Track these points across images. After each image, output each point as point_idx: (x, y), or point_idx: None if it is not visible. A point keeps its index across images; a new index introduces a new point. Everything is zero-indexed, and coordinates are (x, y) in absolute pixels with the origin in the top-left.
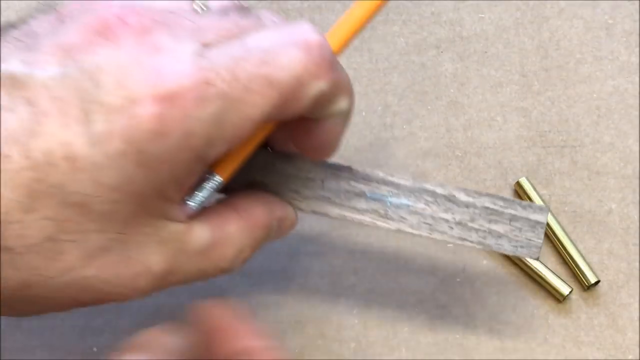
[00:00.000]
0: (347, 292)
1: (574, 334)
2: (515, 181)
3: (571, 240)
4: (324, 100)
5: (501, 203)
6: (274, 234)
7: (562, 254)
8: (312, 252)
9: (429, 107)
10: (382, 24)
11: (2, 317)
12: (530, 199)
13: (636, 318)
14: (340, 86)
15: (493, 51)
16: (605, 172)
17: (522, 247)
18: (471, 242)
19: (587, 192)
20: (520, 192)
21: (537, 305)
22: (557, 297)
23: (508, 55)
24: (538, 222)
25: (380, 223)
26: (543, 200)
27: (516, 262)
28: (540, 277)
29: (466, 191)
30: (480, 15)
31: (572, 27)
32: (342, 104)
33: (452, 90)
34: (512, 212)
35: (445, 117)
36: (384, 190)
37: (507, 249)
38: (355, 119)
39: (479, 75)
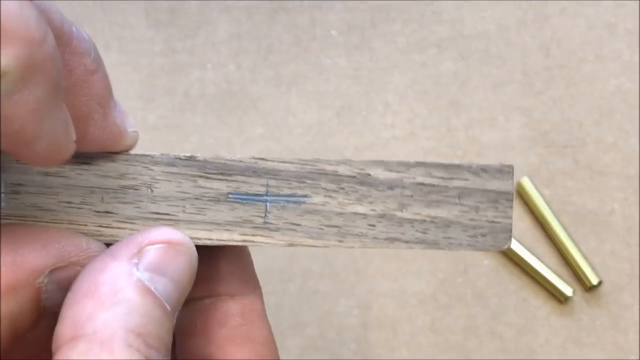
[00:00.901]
0: (347, 293)
1: (576, 335)
2: (517, 181)
3: (573, 241)
4: None
5: (442, 173)
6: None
7: (564, 255)
8: (312, 253)
9: (430, 107)
10: (382, 23)
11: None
12: (531, 199)
13: (638, 319)
14: None
15: (494, 50)
16: (607, 172)
17: (483, 235)
18: (406, 242)
19: (589, 192)
20: (521, 192)
21: (539, 306)
22: (559, 298)
23: (510, 55)
24: (501, 192)
25: (260, 238)
26: (545, 201)
27: (517, 263)
28: (542, 278)
29: (386, 164)
30: (481, 14)
31: (574, 26)
32: None
33: (453, 90)
34: (461, 183)
35: (446, 116)
36: (255, 184)
37: (463, 242)
38: (356, 119)
39: (480, 74)
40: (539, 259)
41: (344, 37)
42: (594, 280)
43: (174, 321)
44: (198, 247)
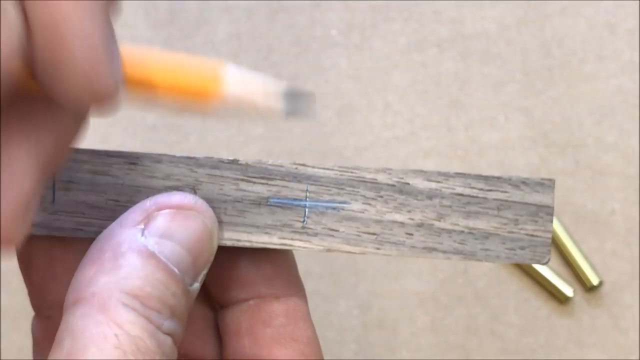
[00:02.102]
0: (348, 293)
1: (577, 336)
2: None
3: (574, 241)
4: None
5: (481, 184)
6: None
7: (565, 255)
8: (311, 253)
9: (430, 106)
10: (383, 22)
11: (1, 317)
12: None
13: (639, 319)
14: None
15: (495, 50)
16: (608, 172)
17: (522, 248)
18: (444, 252)
19: (590, 192)
20: None
21: (539, 307)
22: (560, 299)
23: (510, 54)
24: (541, 206)
25: (298, 243)
26: None
27: (518, 263)
28: (543, 278)
29: (425, 174)
30: (482, 13)
31: (574, 25)
32: None
33: (453, 90)
34: (500, 195)
35: (446, 116)
36: (295, 189)
37: (501, 254)
38: (356, 118)
39: (481, 74)
40: None
41: (344, 37)
42: (595, 281)
43: (190, 286)
44: (240, 248)
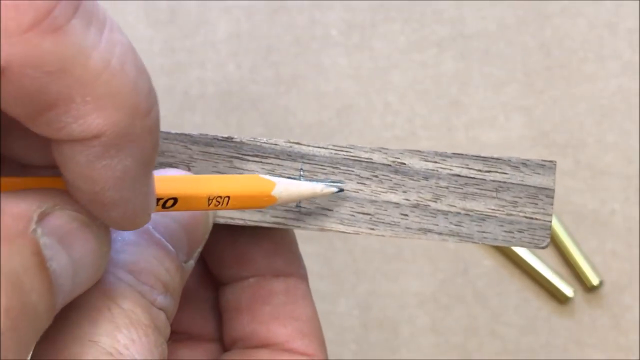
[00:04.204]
0: (348, 293)
1: (577, 336)
2: None
3: (574, 241)
4: (39, 100)
5: (479, 165)
6: None
7: (565, 255)
8: (312, 253)
9: (430, 106)
10: (383, 22)
11: None
12: None
13: (639, 319)
14: (98, 81)
15: (495, 50)
16: (608, 172)
17: (520, 231)
18: (439, 233)
19: (590, 192)
20: None
21: (540, 307)
22: (560, 299)
23: (510, 54)
24: (541, 188)
25: (292, 222)
26: None
27: (518, 263)
28: (543, 278)
29: (422, 154)
30: (482, 13)
31: (575, 25)
32: (93, 119)
33: (453, 89)
34: (499, 177)
35: (446, 116)
36: (290, 168)
37: (499, 237)
38: (356, 118)
39: (481, 74)
40: (539, 259)
41: (344, 37)
42: (595, 281)
43: (185, 263)
44: (235, 226)
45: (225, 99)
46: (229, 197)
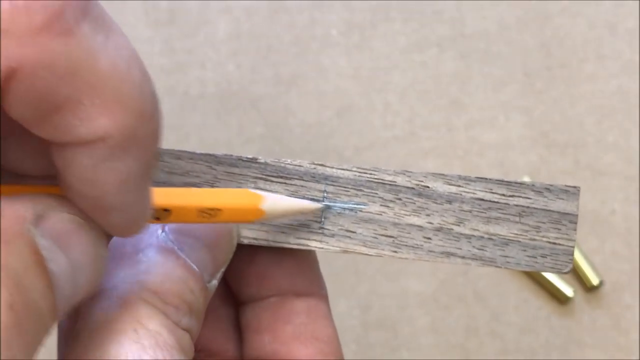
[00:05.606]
0: (348, 293)
1: (577, 336)
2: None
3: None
4: (47, 102)
5: (503, 190)
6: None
7: None
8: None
9: (430, 106)
10: (383, 22)
11: None
12: None
13: (639, 319)
14: (96, 80)
15: (495, 50)
16: (608, 172)
17: (543, 256)
18: (462, 257)
19: (590, 192)
20: None
21: (540, 307)
22: (560, 299)
23: (510, 54)
24: (565, 214)
25: (315, 243)
26: None
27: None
28: (543, 278)
29: (446, 178)
30: (482, 13)
31: (575, 25)
32: (100, 121)
33: (453, 89)
34: (522, 201)
35: (446, 116)
36: (313, 189)
37: (521, 262)
38: (356, 118)
39: (481, 74)
40: None
41: (344, 37)
42: (595, 281)
43: (209, 283)
44: (259, 246)
45: (225, 99)
46: (219, 209)
